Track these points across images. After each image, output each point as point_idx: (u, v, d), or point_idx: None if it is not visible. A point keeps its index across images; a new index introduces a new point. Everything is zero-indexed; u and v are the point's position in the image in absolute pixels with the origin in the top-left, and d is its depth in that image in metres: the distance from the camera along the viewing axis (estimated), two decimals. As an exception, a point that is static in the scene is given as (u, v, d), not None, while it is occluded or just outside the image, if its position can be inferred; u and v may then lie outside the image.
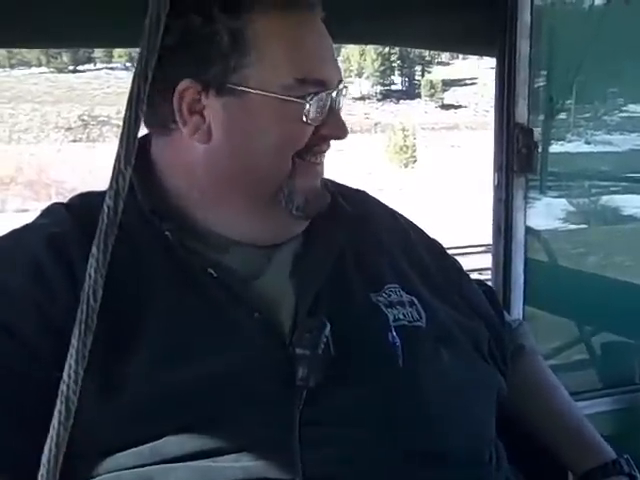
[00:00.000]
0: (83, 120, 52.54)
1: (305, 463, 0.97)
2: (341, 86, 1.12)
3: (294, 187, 1.10)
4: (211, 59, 1.05)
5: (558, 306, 2.21)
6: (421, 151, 40.18)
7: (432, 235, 1.36)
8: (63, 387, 0.52)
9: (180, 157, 1.11)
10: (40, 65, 66.43)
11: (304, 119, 1.07)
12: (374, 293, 1.13)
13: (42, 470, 0.50)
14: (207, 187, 1.11)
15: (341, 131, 1.12)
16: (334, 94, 1.10)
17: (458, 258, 1.40)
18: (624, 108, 2.49)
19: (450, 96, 66.19)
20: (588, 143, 2.40)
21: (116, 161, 0.46)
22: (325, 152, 1.14)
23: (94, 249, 0.48)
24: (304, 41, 1.08)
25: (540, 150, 1.96)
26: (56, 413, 0.52)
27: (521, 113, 1.90)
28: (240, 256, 1.11)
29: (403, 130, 41.76)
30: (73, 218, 1.10)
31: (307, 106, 1.06)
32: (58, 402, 0.52)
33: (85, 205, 1.11)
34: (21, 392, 0.99)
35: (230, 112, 1.07)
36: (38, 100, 57.12)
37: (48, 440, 0.51)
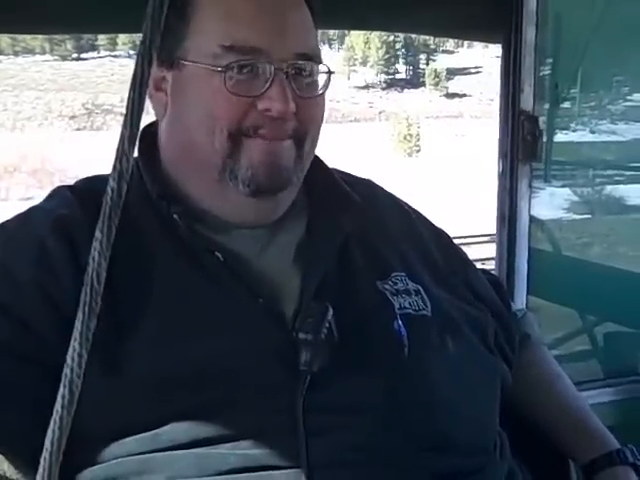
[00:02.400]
0: (87, 108, 52.48)
1: (310, 450, 0.97)
2: (303, 61, 1.06)
3: (238, 165, 1.06)
4: (164, 33, 1.03)
5: (562, 296, 2.22)
6: (425, 140, 40.08)
7: (438, 224, 1.35)
8: (67, 370, 0.52)
9: (162, 138, 1.13)
10: (44, 53, 66.33)
11: (227, 89, 1.03)
12: (380, 281, 1.13)
13: (45, 453, 0.50)
14: (176, 165, 1.12)
15: (278, 103, 1.03)
16: (283, 66, 1.04)
17: (462, 248, 1.40)
18: (629, 97, 2.48)
19: (455, 85, 65.98)
20: (593, 132, 2.40)
21: (120, 143, 0.46)
22: (271, 131, 1.05)
23: (97, 232, 0.48)
24: (237, 8, 1.05)
25: (545, 139, 1.96)
26: (59, 397, 0.52)
27: (526, 100, 1.89)
28: (241, 238, 1.11)
29: (407, 119, 41.67)
30: (79, 201, 1.10)
31: (226, 75, 1.03)
32: (61, 386, 0.52)
33: (91, 188, 1.11)
34: (23, 374, 1.00)
35: (175, 86, 1.08)
36: (42, 88, 57.07)
37: (51, 424, 0.51)
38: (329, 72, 1.10)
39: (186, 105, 1.07)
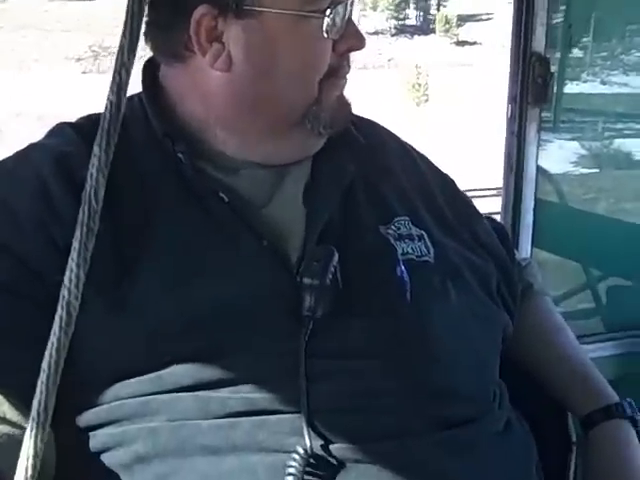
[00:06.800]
0: (94, 51, 51.91)
1: (310, 395, 0.96)
2: None
3: (321, 110, 1.07)
4: None
5: (566, 248, 2.21)
6: (434, 89, 39.65)
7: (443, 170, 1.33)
8: (64, 292, 0.50)
9: (197, 85, 1.08)
10: (50, -8, 65.24)
11: (325, 35, 1.03)
12: (383, 225, 1.11)
13: (42, 376, 0.50)
14: (227, 113, 1.08)
15: (359, 41, 1.07)
16: (349, 2, 1.04)
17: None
18: (643, 47, 2.45)
19: (465, 32, 64.94)
20: (604, 83, 2.36)
21: (119, 53, 0.44)
22: (347, 70, 1.09)
23: (96, 148, 0.46)
24: None
25: (555, 88, 1.93)
26: (57, 318, 0.51)
27: (539, 41, 1.85)
28: (249, 179, 1.09)
29: (416, 67, 41.20)
30: (81, 138, 1.07)
31: (327, 20, 1.02)
32: (59, 307, 0.51)
33: (93, 125, 1.08)
34: (20, 311, 0.98)
35: (250, 36, 1.03)
36: (48, 28, 56.34)
37: (48, 346, 0.50)
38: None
39: (271, 55, 1.04)
